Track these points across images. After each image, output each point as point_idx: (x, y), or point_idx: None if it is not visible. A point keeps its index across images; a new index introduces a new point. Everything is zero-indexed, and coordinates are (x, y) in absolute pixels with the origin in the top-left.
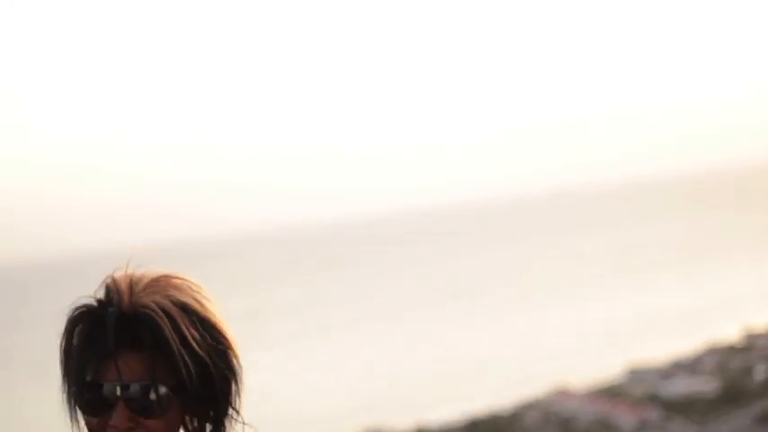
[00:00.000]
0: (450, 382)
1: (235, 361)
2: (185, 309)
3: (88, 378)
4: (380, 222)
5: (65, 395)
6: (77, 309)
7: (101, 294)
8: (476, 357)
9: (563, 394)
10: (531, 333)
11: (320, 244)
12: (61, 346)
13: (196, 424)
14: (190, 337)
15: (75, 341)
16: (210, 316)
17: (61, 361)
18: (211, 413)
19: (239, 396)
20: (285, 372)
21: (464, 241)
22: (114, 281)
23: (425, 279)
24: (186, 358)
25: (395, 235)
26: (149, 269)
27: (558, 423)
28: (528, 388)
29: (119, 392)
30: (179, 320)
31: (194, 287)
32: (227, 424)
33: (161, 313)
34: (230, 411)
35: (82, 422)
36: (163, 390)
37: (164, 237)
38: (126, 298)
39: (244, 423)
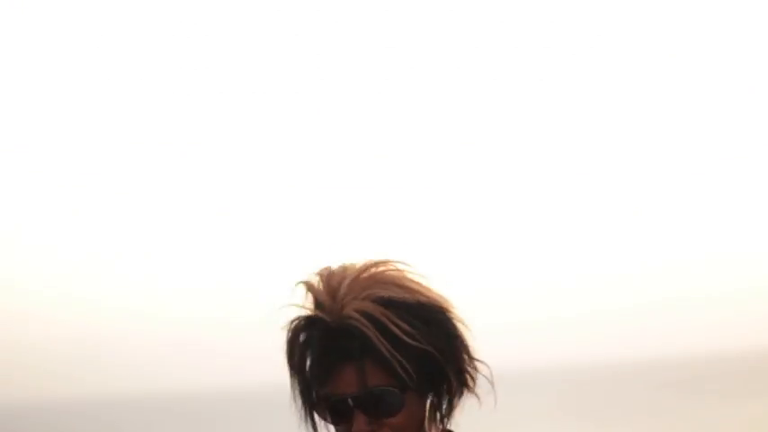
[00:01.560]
0: None
1: (459, 325)
2: (390, 303)
3: (314, 394)
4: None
5: (299, 407)
6: (290, 324)
7: (308, 302)
8: None
9: None
10: None
11: None
12: (289, 365)
13: (435, 401)
14: (400, 333)
15: (295, 358)
16: (418, 296)
17: (290, 375)
18: (445, 386)
19: (468, 349)
20: None
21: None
22: (316, 292)
23: None
24: (399, 357)
25: None
26: (349, 265)
27: None
28: None
29: (351, 402)
30: (385, 321)
31: (400, 270)
32: (469, 383)
33: (365, 320)
34: (465, 365)
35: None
36: (389, 391)
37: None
38: (329, 311)
39: (487, 366)
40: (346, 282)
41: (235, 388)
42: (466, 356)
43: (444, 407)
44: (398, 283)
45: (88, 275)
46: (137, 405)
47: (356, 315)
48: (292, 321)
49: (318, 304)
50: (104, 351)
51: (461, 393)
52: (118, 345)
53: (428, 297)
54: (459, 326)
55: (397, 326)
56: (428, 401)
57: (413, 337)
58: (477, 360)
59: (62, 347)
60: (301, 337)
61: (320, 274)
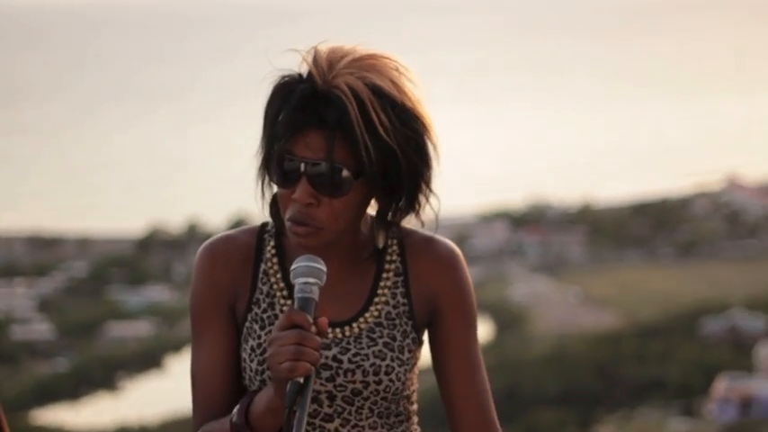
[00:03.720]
0: (622, 162)
1: (430, 147)
2: (379, 92)
3: (275, 150)
4: None
5: (259, 159)
6: (280, 79)
7: (304, 68)
8: (648, 140)
9: (735, 186)
10: (710, 122)
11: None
12: (264, 114)
13: (381, 207)
14: (377, 121)
15: (270, 113)
16: (406, 100)
17: (263, 128)
18: (398, 198)
19: (431, 180)
20: (473, 130)
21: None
22: (316, 56)
23: (612, 61)
24: (368, 142)
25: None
26: (360, 46)
27: (727, 214)
28: (700, 177)
29: (302, 168)
30: (368, 104)
31: (400, 68)
32: (420, 201)
33: (350, 95)
34: (423, 191)
35: (273, 189)
36: (344, 171)
37: None
38: (321, 76)
39: (438, 202)
40: (348, 58)
41: None
42: (424, 184)
43: (390, 214)
44: (394, 81)
45: None
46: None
47: (344, 87)
48: (283, 76)
49: (314, 68)
50: None
51: (407, 213)
52: None
53: (414, 106)
54: (431, 149)
55: (376, 113)
56: (370, 201)
57: (387, 131)
58: (432, 192)
59: None
60: (282, 95)
61: (327, 45)
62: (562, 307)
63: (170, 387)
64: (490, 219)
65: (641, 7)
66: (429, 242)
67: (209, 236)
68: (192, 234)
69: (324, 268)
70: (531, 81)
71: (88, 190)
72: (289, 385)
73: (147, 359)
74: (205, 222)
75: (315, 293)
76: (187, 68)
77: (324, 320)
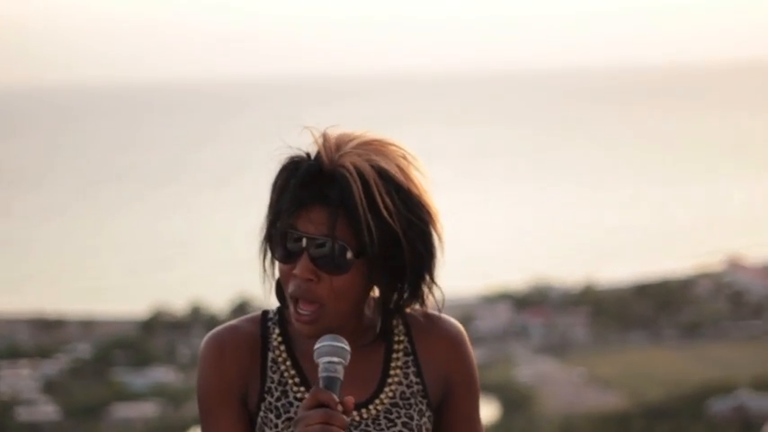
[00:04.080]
0: (624, 243)
1: (435, 236)
2: (385, 175)
3: (279, 225)
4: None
5: (261, 236)
6: (287, 157)
7: (313, 148)
8: (650, 221)
9: (737, 267)
10: (712, 204)
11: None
12: (270, 190)
13: (383, 289)
14: (380, 203)
15: (275, 189)
16: (413, 187)
17: (268, 204)
18: (399, 282)
19: (433, 270)
20: (474, 212)
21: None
22: (325, 137)
23: (613, 143)
24: (370, 222)
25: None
26: (369, 132)
27: (730, 295)
28: (702, 258)
29: (304, 243)
30: (372, 184)
31: (407, 156)
32: (423, 291)
33: (355, 174)
34: (426, 281)
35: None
36: (345, 249)
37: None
38: (328, 155)
39: (441, 293)
40: (356, 141)
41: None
42: (427, 273)
43: (395, 299)
44: (401, 167)
45: None
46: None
47: (349, 166)
48: (290, 157)
49: (322, 147)
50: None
51: (411, 302)
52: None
53: (420, 194)
54: (436, 239)
55: (380, 195)
56: (371, 287)
57: (390, 213)
58: (436, 284)
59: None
60: (288, 171)
61: (337, 129)
62: (568, 387)
63: None
64: (493, 300)
65: (643, 88)
66: (433, 320)
67: (212, 317)
68: (196, 316)
69: (347, 348)
70: (532, 163)
71: (90, 272)
72: None
73: None
74: (208, 305)
75: (340, 373)
76: (188, 150)
77: (350, 399)
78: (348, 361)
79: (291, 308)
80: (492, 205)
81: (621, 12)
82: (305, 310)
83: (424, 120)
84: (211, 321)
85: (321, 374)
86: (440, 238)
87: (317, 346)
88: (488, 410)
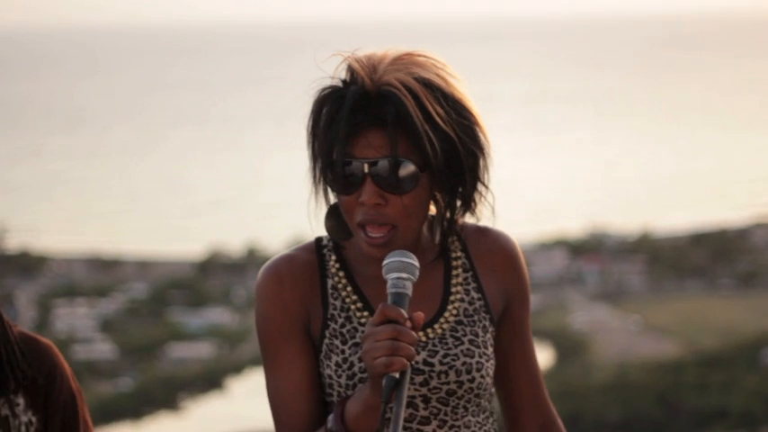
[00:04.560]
0: (682, 192)
1: (481, 136)
2: (429, 85)
3: (335, 156)
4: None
5: (313, 175)
6: (322, 90)
7: (344, 74)
8: (709, 169)
9: None
10: None
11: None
12: (308, 127)
13: (446, 200)
14: (434, 113)
15: (321, 122)
16: (455, 92)
17: (308, 142)
18: (459, 188)
19: (487, 171)
20: (532, 159)
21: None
22: (356, 60)
23: (674, 92)
24: (430, 134)
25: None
26: (391, 48)
27: None
28: (760, 208)
29: (366, 169)
30: (422, 97)
31: (438, 64)
32: (476, 199)
33: (404, 90)
34: (479, 186)
35: (331, 199)
36: (409, 165)
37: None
38: (368, 77)
39: (493, 197)
40: (388, 59)
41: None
42: (481, 173)
43: (451, 208)
44: (440, 74)
45: None
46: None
47: (396, 83)
48: (323, 88)
49: (359, 71)
50: None
51: (467, 209)
52: None
53: (463, 96)
54: (483, 138)
55: (431, 105)
56: (436, 196)
57: (444, 121)
58: (487, 187)
59: None
60: (331, 101)
61: (359, 53)
62: (622, 335)
63: (231, 408)
64: (549, 247)
65: (704, 41)
66: (488, 233)
67: (267, 259)
68: (252, 257)
69: (416, 263)
70: (591, 111)
71: (148, 213)
72: (384, 380)
73: (209, 380)
74: (264, 246)
75: (408, 289)
76: (245, 91)
77: (420, 315)
78: (417, 277)
79: (360, 234)
80: (551, 152)
81: None
82: (376, 233)
83: (490, 66)
84: None
85: (390, 290)
86: (486, 137)
87: (385, 261)
88: (543, 356)
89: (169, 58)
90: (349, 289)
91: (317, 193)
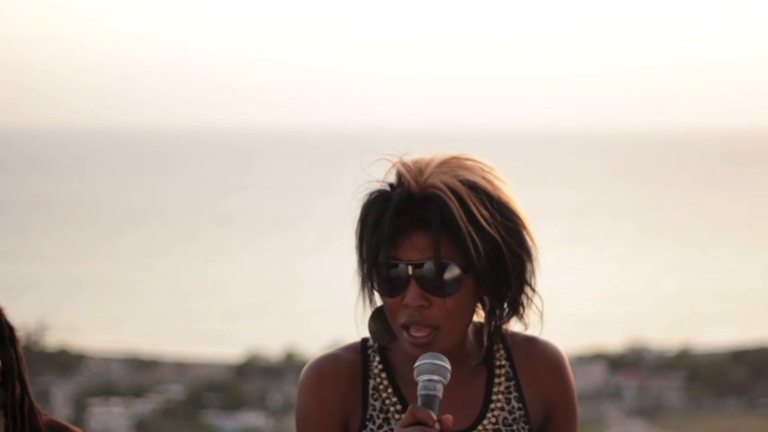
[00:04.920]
0: (722, 308)
1: (528, 239)
2: (474, 187)
3: (380, 258)
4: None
5: (360, 277)
6: (369, 194)
7: (391, 178)
8: (751, 286)
9: None
10: None
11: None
12: (356, 231)
13: (491, 304)
14: (478, 215)
15: (367, 225)
16: (501, 194)
17: (356, 246)
18: (505, 291)
19: (534, 275)
20: (573, 272)
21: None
22: (403, 164)
23: (707, 205)
24: (474, 235)
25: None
26: (439, 152)
27: None
28: None
29: (410, 271)
30: (467, 199)
31: (486, 167)
32: (524, 302)
33: (448, 192)
34: (526, 290)
35: (377, 302)
36: (452, 268)
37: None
38: (414, 179)
39: (541, 302)
40: (435, 163)
41: (274, 127)
42: (528, 277)
43: (497, 313)
44: (485, 177)
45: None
46: (172, 137)
47: (441, 185)
48: (371, 192)
49: (405, 174)
50: (145, 82)
51: (513, 313)
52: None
53: (509, 200)
54: (529, 242)
55: (476, 207)
56: (479, 300)
57: (489, 223)
58: (534, 291)
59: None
60: (378, 204)
61: (407, 157)
62: None
63: None
64: (588, 360)
65: (750, 158)
66: (534, 343)
67: (305, 364)
68: (290, 362)
69: (448, 366)
70: (635, 225)
71: (188, 315)
72: None
73: None
74: (302, 351)
75: (439, 391)
76: (290, 199)
77: (449, 417)
78: (448, 380)
79: (403, 334)
80: (594, 265)
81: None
82: (419, 332)
83: (538, 177)
84: None
85: (420, 392)
86: (533, 241)
87: (417, 363)
88: None
89: (215, 161)
90: (390, 391)
91: (363, 295)
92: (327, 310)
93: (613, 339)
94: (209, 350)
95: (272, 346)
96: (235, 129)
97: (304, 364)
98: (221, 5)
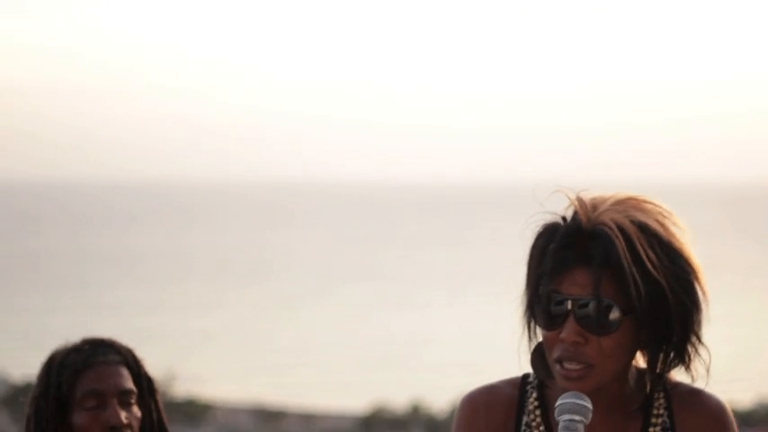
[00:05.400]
0: None
1: (698, 289)
2: (645, 229)
3: (541, 290)
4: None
5: (523, 307)
6: (544, 224)
7: (568, 213)
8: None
9: None
10: None
11: None
12: (529, 256)
13: (651, 349)
14: (644, 257)
15: (534, 254)
16: (674, 240)
17: (527, 271)
18: (668, 338)
19: (701, 326)
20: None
21: None
22: (579, 199)
23: None
24: (637, 277)
25: None
26: (620, 191)
27: None
28: None
29: (569, 306)
30: (635, 239)
31: (664, 212)
32: (690, 352)
33: (616, 230)
34: (692, 339)
35: (538, 335)
36: (612, 307)
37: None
38: (586, 214)
39: (709, 355)
40: (611, 201)
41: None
42: (694, 328)
43: (658, 360)
44: (660, 221)
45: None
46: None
47: (610, 223)
48: (547, 223)
49: (578, 209)
50: (168, 134)
51: (677, 363)
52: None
53: (682, 246)
54: (700, 293)
55: (644, 249)
56: (638, 344)
57: (655, 267)
58: (702, 343)
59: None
60: (546, 235)
61: (588, 193)
62: None
63: None
64: None
65: None
66: (697, 395)
67: (431, 418)
68: (416, 414)
69: (590, 406)
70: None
71: (316, 367)
72: None
73: None
74: (429, 404)
75: (579, 431)
76: (424, 252)
77: None
78: (589, 420)
79: (557, 368)
80: (724, 320)
81: None
82: (572, 366)
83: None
84: (431, 422)
85: (560, 431)
86: (704, 293)
87: (558, 402)
88: None
89: (349, 213)
90: (542, 428)
91: (526, 323)
92: (455, 364)
93: (744, 396)
94: (335, 402)
95: (398, 398)
96: (366, 181)
97: (430, 417)
98: (286, 67)
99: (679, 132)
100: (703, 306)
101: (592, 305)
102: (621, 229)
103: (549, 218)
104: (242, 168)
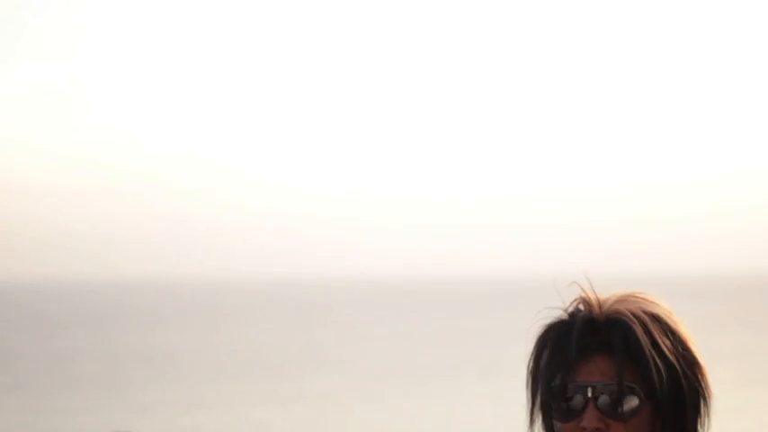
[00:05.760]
0: None
1: (703, 381)
2: (657, 319)
3: (555, 383)
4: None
5: (530, 407)
6: (551, 320)
7: (571, 309)
8: None
9: None
10: None
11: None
12: (529, 361)
13: None
14: (661, 343)
15: (545, 352)
16: (681, 330)
17: (529, 372)
18: (681, 424)
19: (708, 417)
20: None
21: None
22: (585, 295)
23: None
24: (658, 361)
25: None
26: (620, 290)
27: None
28: None
29: (590, 393)
30: (651, 327)
31: (666, 307)
32: None
33: (633, 318)
34: (699, 428)
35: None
36: (635, 393)
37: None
38: (597, 307)
39: None
40: (616, 296)
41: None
42: (703, 416)
43: None
44: (665, 314)
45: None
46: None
47: (625, 311)
48: (548, 324)
49: (587, 303)
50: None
51: None
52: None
53: (688, 338)
54: (706, 392)
55: (660, 336)
56: (655, 427)
57: (670, 351)
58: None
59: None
60: (557, 329)
61: (591, 291)
62: None
63: None
64: None
65: None
66: None
67: None
68: None
69: None
70: None
71: None
72: None
73: None
74: None
75: None
76: (450, 345)
77: None
78: None
79: None
80: (757, 410)
81: None
82: None
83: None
84: None
85: None
86: (707, 384)
87: None
88: None
89: (374, 308)
90: None
91: (532, 425)
92: None
93: None
94: None
95: None
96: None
97: None
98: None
99: (669, 228)
100: (709, 398)
101: (614, 391)
102: (636, 316)
103: (556, 314)
104: (257, 268)
